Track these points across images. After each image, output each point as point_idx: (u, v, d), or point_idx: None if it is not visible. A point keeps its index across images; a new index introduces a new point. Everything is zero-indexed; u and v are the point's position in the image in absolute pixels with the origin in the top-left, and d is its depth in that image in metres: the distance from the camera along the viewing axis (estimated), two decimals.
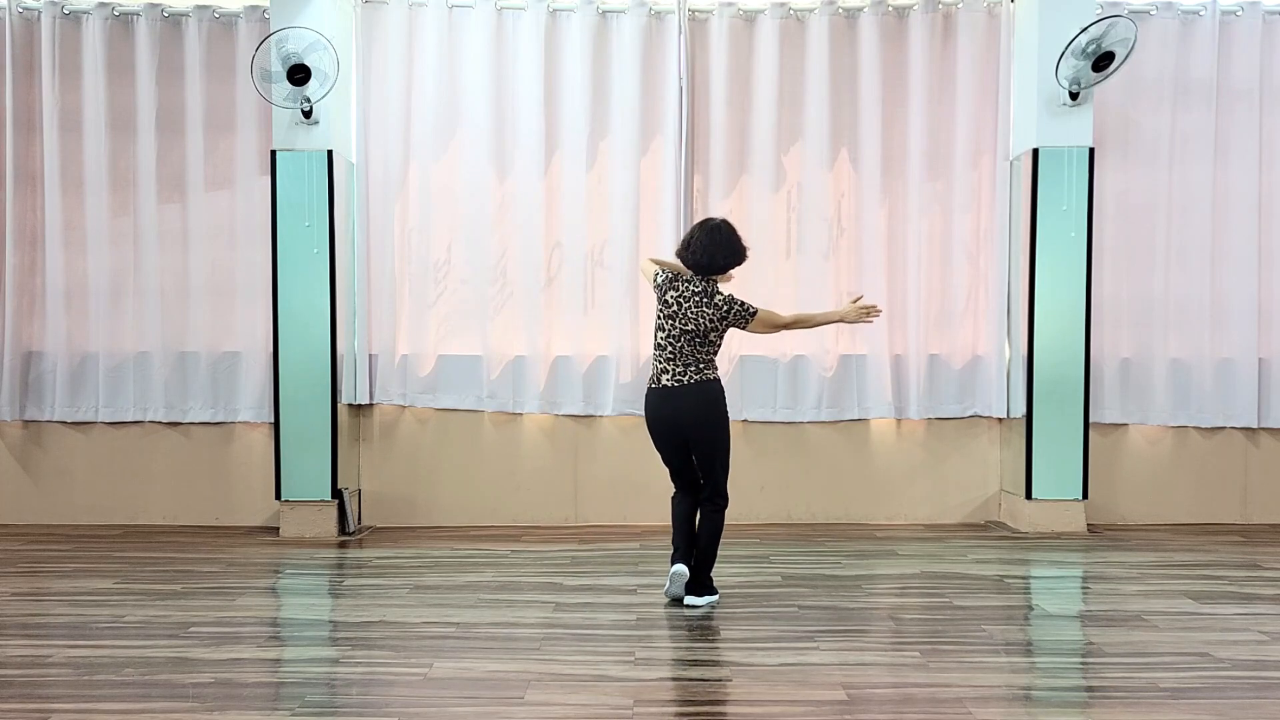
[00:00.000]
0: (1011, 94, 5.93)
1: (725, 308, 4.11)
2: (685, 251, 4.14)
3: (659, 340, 4.17)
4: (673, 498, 4.33)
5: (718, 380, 4.18)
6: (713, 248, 4.10)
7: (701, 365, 4.13)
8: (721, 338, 4.18)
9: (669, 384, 4.13)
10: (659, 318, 4.19)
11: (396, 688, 3.27)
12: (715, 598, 4.28)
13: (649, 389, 4.23)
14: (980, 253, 5.99)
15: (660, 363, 4.17)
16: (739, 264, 4.19)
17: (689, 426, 4.13)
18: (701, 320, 4.09)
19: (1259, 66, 5.90)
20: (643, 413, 4.31)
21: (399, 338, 5.96)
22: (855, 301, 4.35)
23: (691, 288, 4.12)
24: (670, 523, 4.33)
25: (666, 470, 4.32)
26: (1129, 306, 5.95)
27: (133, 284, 5.92)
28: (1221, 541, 5.54)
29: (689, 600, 4.22)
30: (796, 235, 5.97)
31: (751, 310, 4.14)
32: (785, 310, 5.90)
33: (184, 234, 5.92)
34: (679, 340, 4.11)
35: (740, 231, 6.22)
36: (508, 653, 3.62)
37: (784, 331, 4.38)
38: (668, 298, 4.15)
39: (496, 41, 5.88)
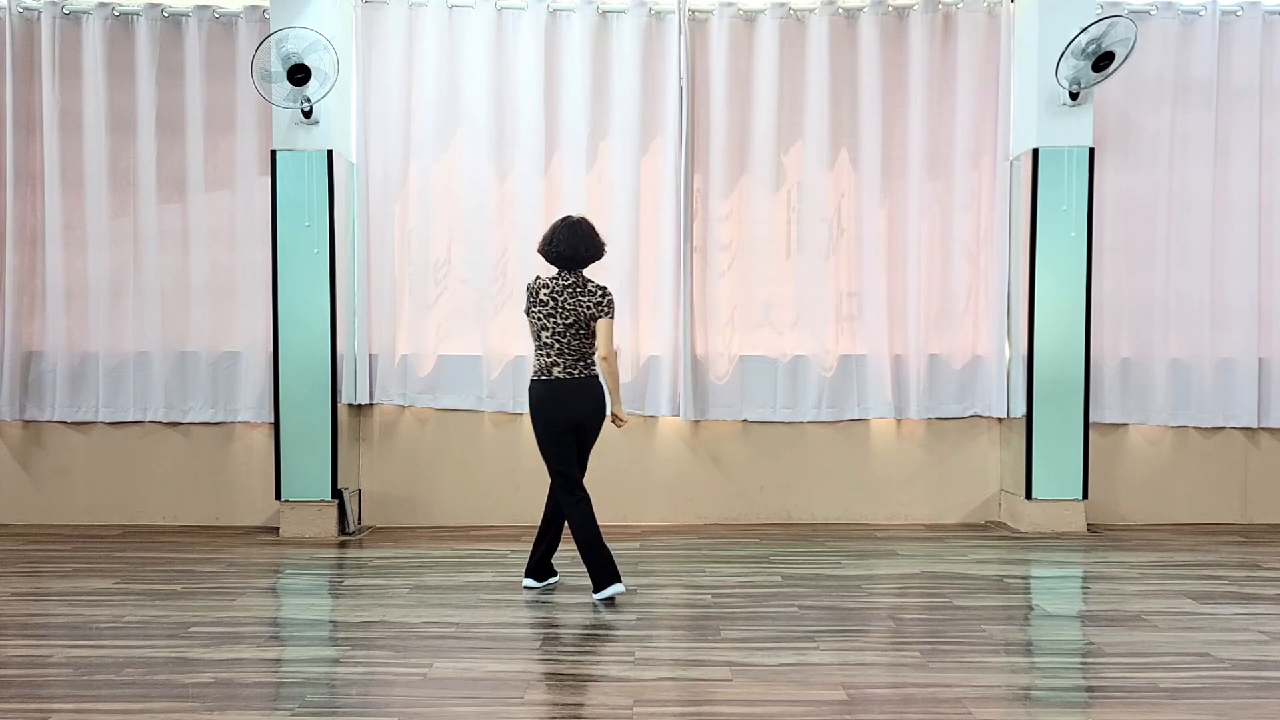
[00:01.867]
0: (1011, 94, 5.93)
1: (600, 295, 4.23)
2: (548, 246, 4.26)
3: (545, 340, 4.24)
4: (580, 503, 4.29)
5: (598, 376, 4.34)
6: (574, 240, 4.24)
7: (589, 359, 4.29)
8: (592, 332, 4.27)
9: (560, 375, 4.24)
10: (536, 322, 4.25)
11: (396, 688, 3.27)
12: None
13: (538, 380, 4.28)
14: (980, 253, 5.99)
15: (550, 357, 4.24)
16: (598, 257, 4.30)
17: (587, 418, 4.29)
18: (580, 310, 4.21)
19: (1259, 66, 5.90)
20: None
21: (399, 338, 5.96)
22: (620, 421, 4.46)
23: (561, 282, 4.23)
24: (584, 532, 4.27)
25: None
26: (1129, 306, 5.95)
27: (133, 284, 5.92)
28: (1221, 541, 5.54)
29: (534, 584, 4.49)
30: (796, 235, 5.97)
31: (609, 312, 4.24)
32: (787, 314, 5.95)
33: (184, 234, 5.92)
34: (565, 335, 4.22)
35: (741, 230, 6.23)
36: (508, 653, 3.62)
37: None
38: (541, 297, 4.24)
39: (496, 41, 5.88)
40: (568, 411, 4.24)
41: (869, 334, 5.94)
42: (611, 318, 4.24)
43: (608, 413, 4.38)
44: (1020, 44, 5.85)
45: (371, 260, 5.95)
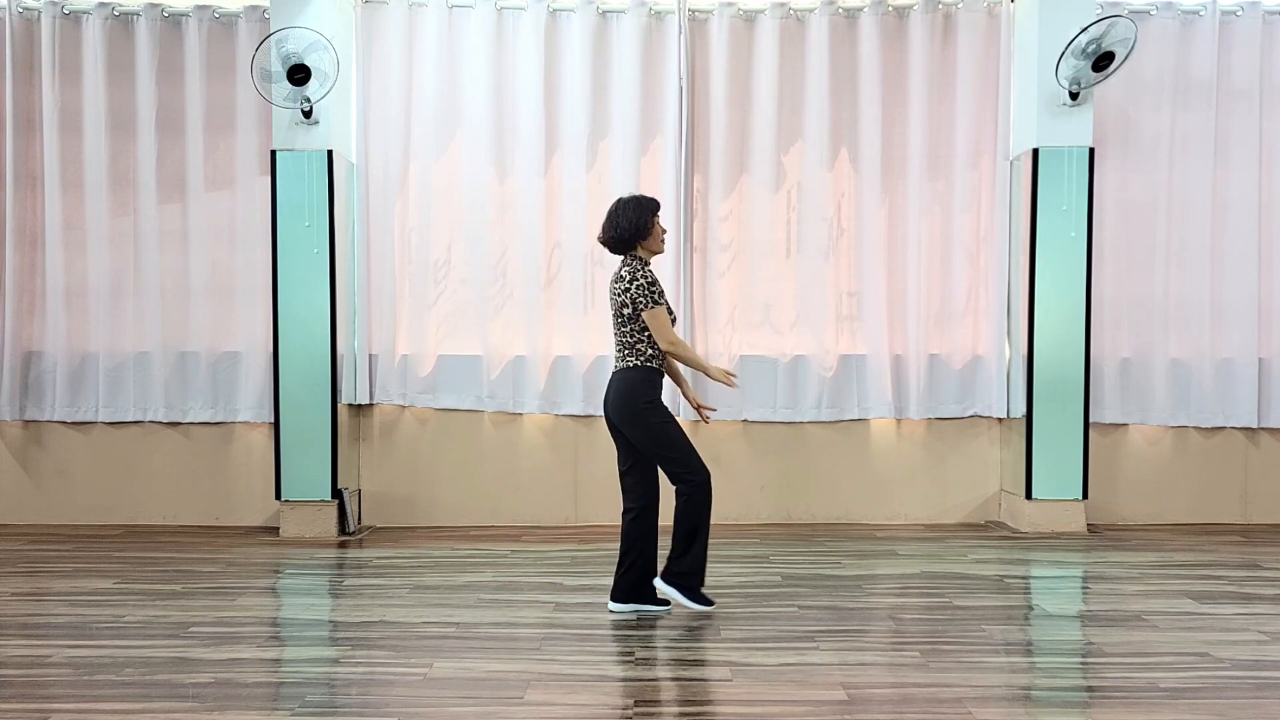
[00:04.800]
0: (1011, 94, 5.93)
1: (627, 281, 3.96)
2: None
3: None
4: (624, 513, 4.14)
5: (633, 368, 4.00)
6: (605, 221, 4.06)
7: (624, 352, 4.02)
8: (636, 321, 3.96)
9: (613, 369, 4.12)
10: None
11: (396, 688, 3.27)
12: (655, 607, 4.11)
13: None
14: (980, 253, 5.99)
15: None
16: (618, 238, 4.01)
17: (611, 413, 4.06)
18: (613, 298, 4.02)
19: (1259, 66, 5.90)
20: None
21: (399, 338, 5.96)
22: (726, 372, 4.13)
23: (617, 271, 4.08)
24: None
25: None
26: (1129, 306, 5.95)
27: (133, 284, 5.92)
28: (1221, 541, 5.54)
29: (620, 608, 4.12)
30: (796, 235, 5.98)
31: (646, 303, 3.93)
32: (787, 314, 5.95)
33: (184, 234, 5.92)
34: (613, 324, 4.07)
35: (741, 230, 6.13)
36: (508, 653, 3.62)
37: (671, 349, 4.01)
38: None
39: (496, 41, 5.88)
40: (606, 407, 4.09)
41: (869, 334, 5.94)
42: (650, 306, 3.92)
43: (636, 410, 3.96)
44: (1020, 44, 5.85)
45: (371, 260, 5.95)
